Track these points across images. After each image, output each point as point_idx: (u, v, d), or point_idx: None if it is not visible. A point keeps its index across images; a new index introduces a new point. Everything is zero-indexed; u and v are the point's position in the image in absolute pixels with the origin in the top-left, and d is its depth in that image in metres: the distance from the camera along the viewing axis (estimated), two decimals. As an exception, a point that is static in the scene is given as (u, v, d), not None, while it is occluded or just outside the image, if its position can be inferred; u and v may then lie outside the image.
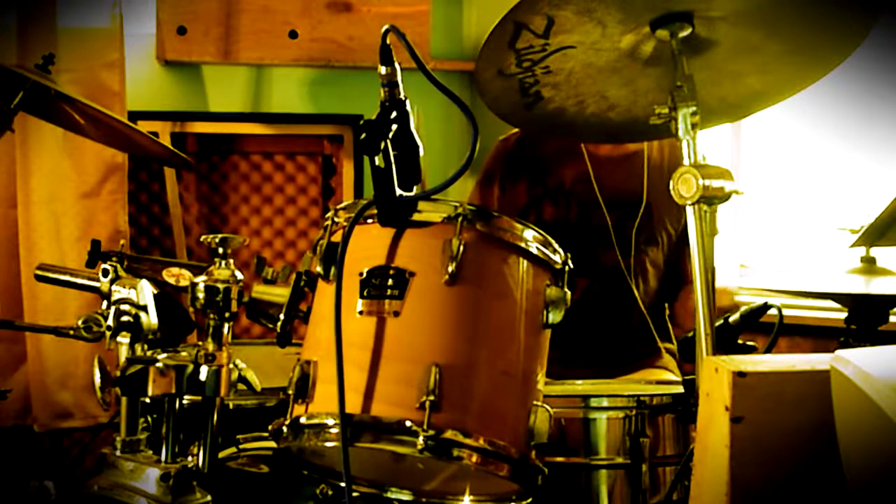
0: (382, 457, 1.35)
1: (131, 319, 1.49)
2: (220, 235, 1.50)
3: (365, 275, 1.35)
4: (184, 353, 1.50)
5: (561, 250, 1.47)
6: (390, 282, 1.34)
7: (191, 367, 1.48)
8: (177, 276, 1.86)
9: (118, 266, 1.62)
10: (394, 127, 1.38)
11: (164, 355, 1.48)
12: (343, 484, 1.28)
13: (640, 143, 2.32)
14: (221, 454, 1.63)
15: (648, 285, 2.32)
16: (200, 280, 1.49)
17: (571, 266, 1.48)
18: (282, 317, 1.46)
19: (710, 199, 1.47)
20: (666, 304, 2.39)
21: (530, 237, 1.41)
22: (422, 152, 1.43)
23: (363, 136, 1.36)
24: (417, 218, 1.37)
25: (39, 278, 1.82)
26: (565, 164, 2.33)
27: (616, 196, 2.29)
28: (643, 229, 2.28)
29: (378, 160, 1.37)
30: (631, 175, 2.30)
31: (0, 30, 2.81)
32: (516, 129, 2.34)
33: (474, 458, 1.29)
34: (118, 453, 1.50)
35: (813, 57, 1.62)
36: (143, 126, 2.72)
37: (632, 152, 2.32)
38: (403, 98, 1.41)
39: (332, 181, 3.32)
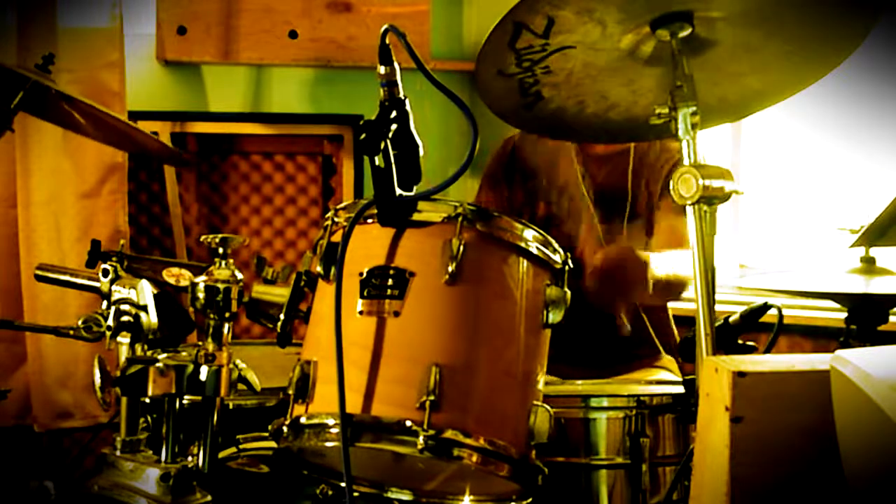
0: (383, 457, 1.34)
1: (131, 319, 1.49)
2: (220, 235, 1.50)
3: (365, 275, 1.35)
4: (184, 353, 1.50)
5: (561, 250, 1.47)
6: (390, 282, 1.34)
7: (191, 367, 1.48)
8: (177, 276, 1.85)
9: (118, 266, 1.62)
10: (393, 127, 1.38)
11: (164, 355, 1.48)
12: (343, 484, 1.28)
13: None
14: (221, 454, 1.62)
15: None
16: (200, 280, 1.49)
17: (571, 266, 1.48)
18: (282, 317, 1.46)
19: (710, 199, 1.47)
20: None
21: (530, 237, 1.41)
22: (422, 152, 1.43)
23: (363, 136, 1.36)
24: (417, 218, 1.37)
25: (39, 278, 1.82)
26: (560, 163, 2.35)
27: (604, 193, 2.30)
28: (634, 224, 2.28)
29: (378, 160, 1.37)
30: (618, 171, 2.31)
31: (0, 30, 2.81)
32: (517, 130, 2.35)
33: (474, 458, 1.29)
34: (118, 453, 1.50)
35: (813, 57, 1.62)
36: (143, 126, 2.70)
37: (623, 149, 2.33)
38: (403, 98, 1.41)
39: (332, 181, 3.32)
